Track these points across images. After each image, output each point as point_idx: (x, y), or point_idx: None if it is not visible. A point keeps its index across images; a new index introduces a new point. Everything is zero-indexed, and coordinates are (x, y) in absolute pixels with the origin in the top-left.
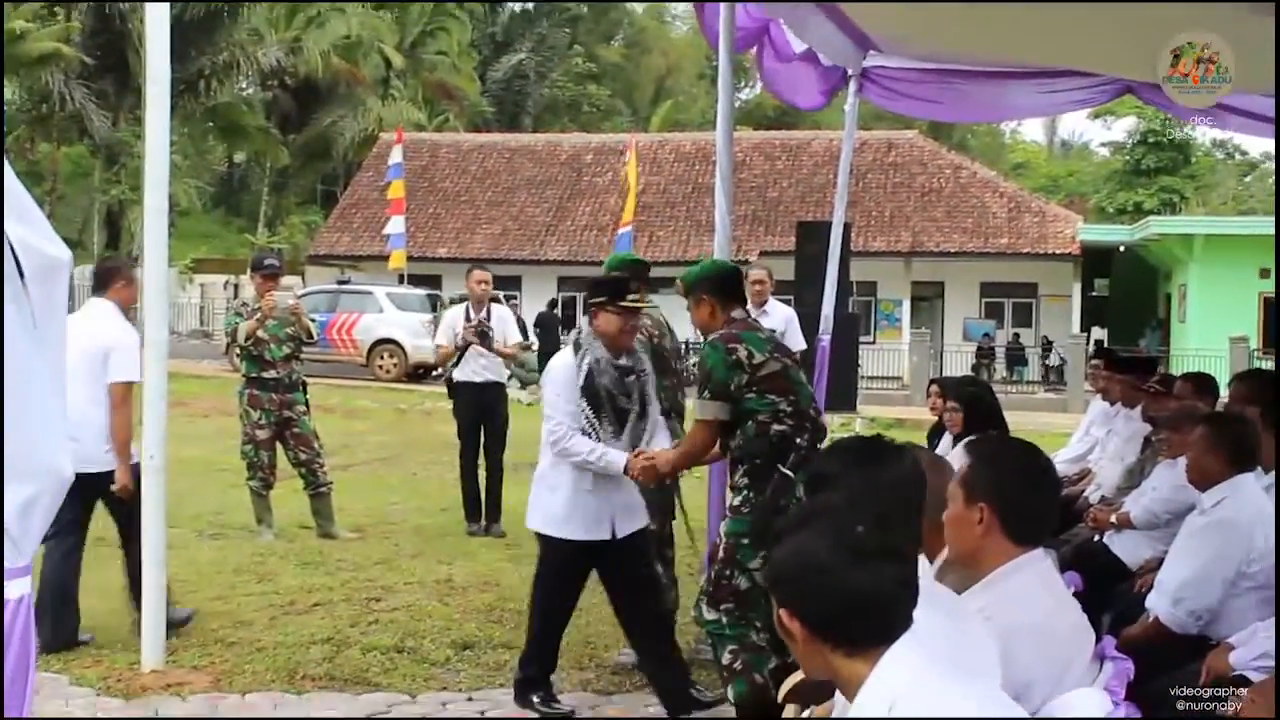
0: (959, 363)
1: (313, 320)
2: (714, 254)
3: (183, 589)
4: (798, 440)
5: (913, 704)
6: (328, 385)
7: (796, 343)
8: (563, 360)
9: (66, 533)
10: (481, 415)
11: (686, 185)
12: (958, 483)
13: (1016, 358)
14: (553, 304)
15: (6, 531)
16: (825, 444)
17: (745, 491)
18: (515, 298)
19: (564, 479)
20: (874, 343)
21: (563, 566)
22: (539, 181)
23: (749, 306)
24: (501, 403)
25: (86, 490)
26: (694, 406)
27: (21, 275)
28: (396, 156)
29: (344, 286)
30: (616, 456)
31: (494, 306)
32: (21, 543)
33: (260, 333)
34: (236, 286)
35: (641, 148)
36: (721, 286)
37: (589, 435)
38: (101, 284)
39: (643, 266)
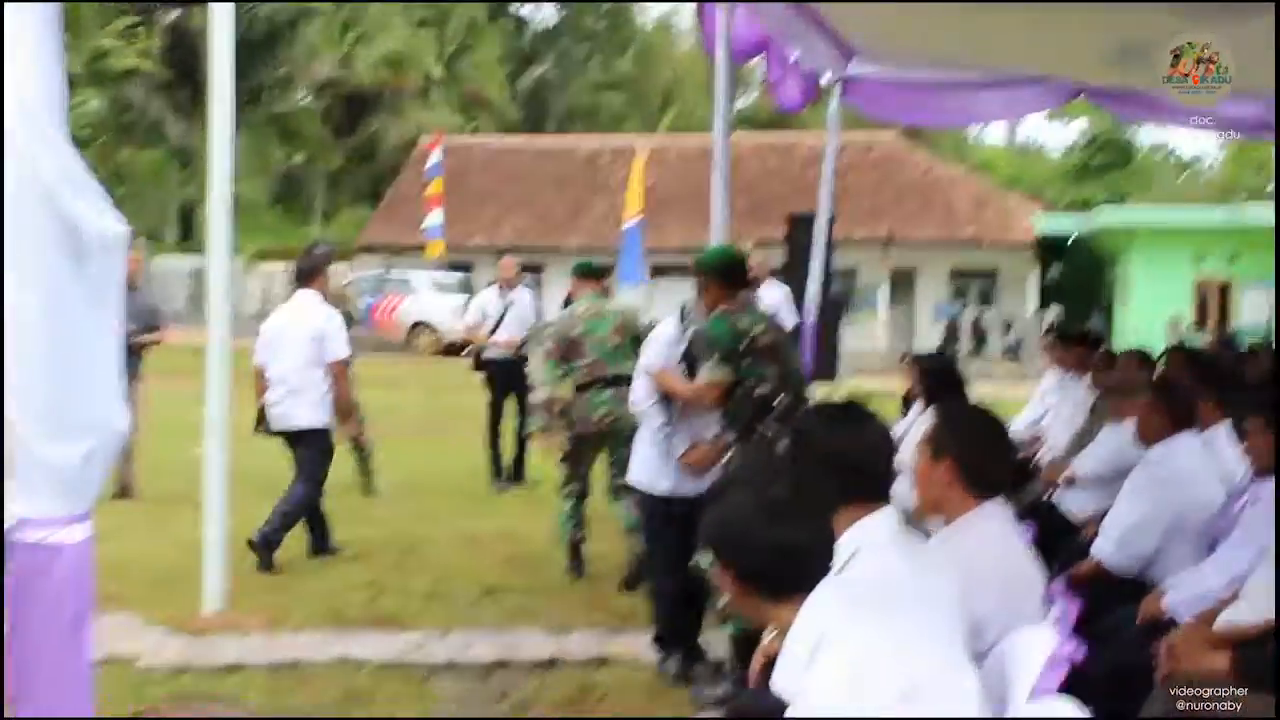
0: (929, 339)
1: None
2: (712, 243)
3: (241, 539)
4: (775, 402)
5: (835, 637)
6: (367, 361)
7: (789, 319)
8: (663, 331)
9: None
10: (509, 388)
11: (690, 182)
12: (925, 440)
13: (980, 335)
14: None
15: (68, 481)
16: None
17: (733, 448)
18: (539, 281)
19: (648, 432)
20: (854, 322)
21: (651, 520)
22: (560, 179)
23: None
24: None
25: (291, 441)
26: (704, 371)
27: (79, 249)
28: (435, 158)
29: (387, 273)
30: (677, 443)
31: (518, 292)
32: (83, 490)
33: None
34: None
35: (650, 149)
36: (726, 271)
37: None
38: (305, 278)
39: (597, 271)
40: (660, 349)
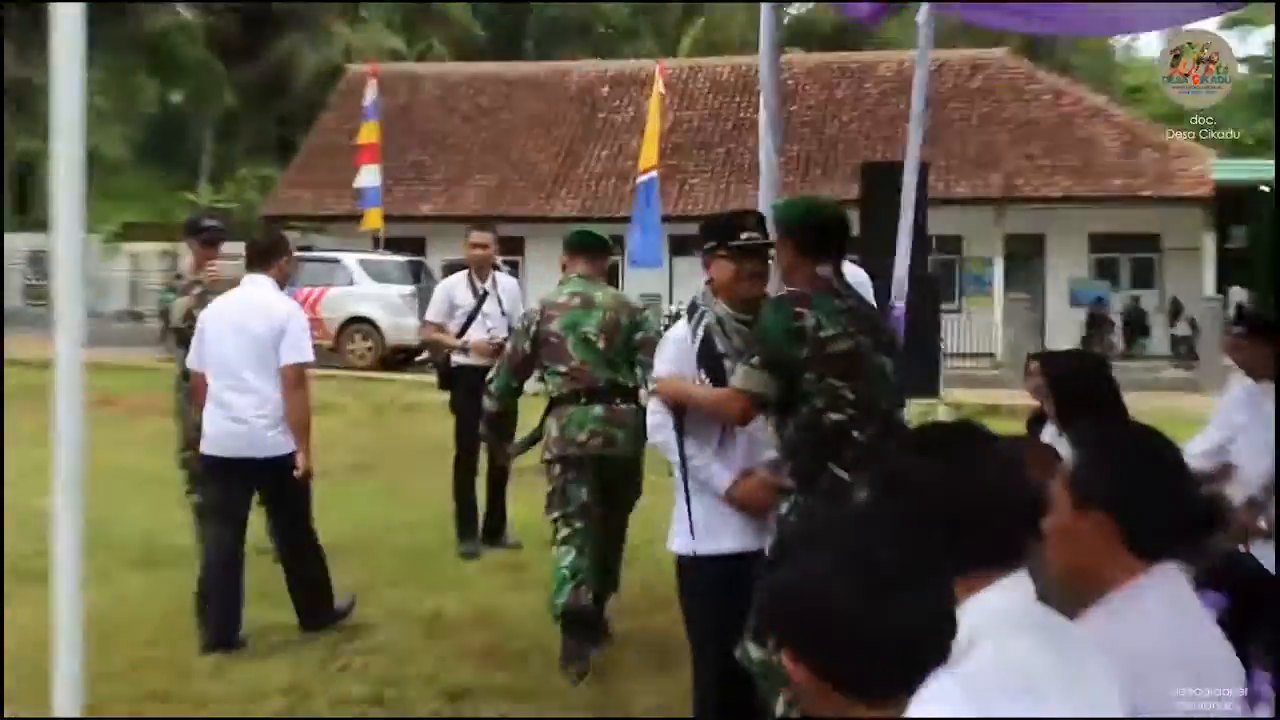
0: (1065, 334)
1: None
2: (760, 205)
3: (106, 631)
4: (854, 434)
5: None
6: None
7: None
8: (675, 331)
9: (226, 522)
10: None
11: (725, 121)
12: (1063, 483)
13: (1136, 326)
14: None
15: None
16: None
17: (793, 496)
18: (517, 263)
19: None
20: (959, 311)
21: (708, 590)
22: (544, 120)
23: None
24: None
25: (250, 477)
26: (737, 373)
27: None
28: (370, 94)
29: (306, 254)
30: (719, 473)
31: (498, 276)
32: None
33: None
34: (175, 257)
35: (668, 77)
36: (808, 231)
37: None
38: (262, 259)
39: (599, 244)
40: (672, 353)
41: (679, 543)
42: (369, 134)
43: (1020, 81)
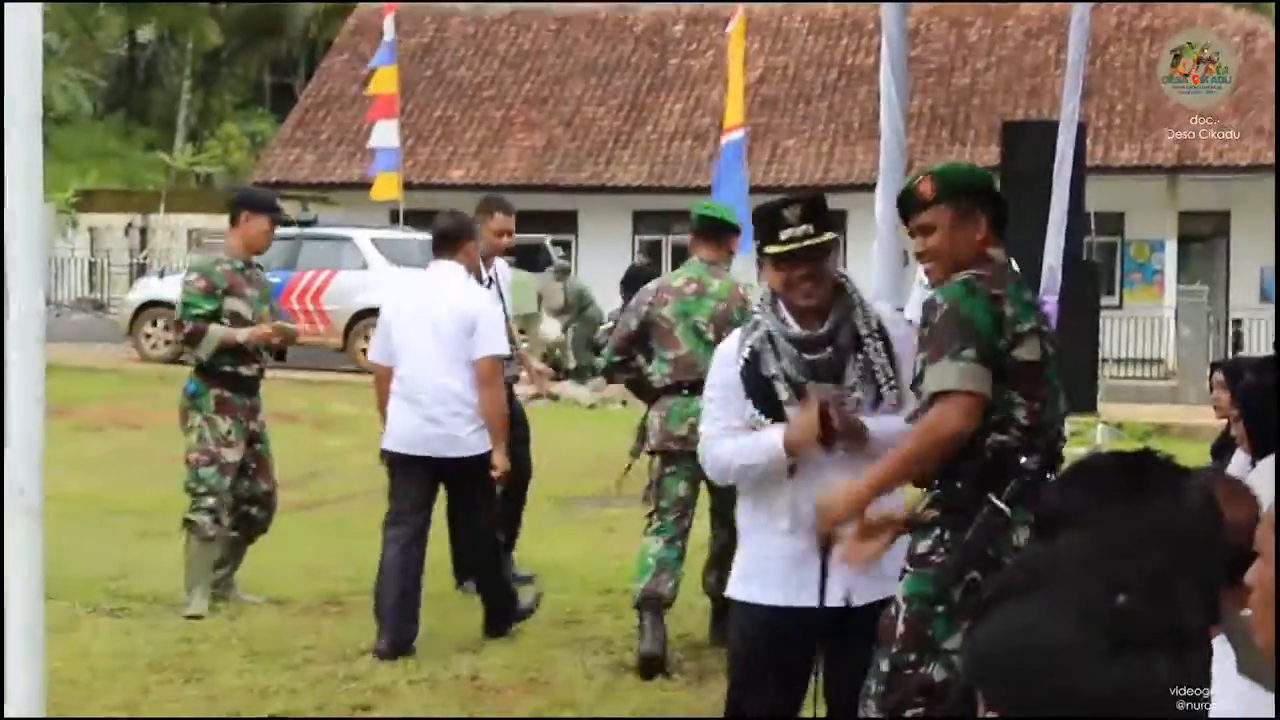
0: (1257, 336)
1: (271, 280)
2: (881, 172)
3: (69, 694)
4: (1023, 461)
5: None
6: (288, 381)
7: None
8: (726, 344)
9: (408, 521)
10: None
11: (829, 69)
12: (1272, 526)
13: None
14: (651, 250)
15: None
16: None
17: (938, 531)
18: (569, 243)
19: (749, 519)
20: (1121, 306)
21: (753, 643)
22: (603, 67)
23: None
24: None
25: (440, 476)
26: (932, 375)
27: None
28: (386, 32)
29: (308, 229)
30: (774, 435)
31: (499, 264)
32: None
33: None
34: (144, 231)
35: (758, 14)
36: (1002, 206)
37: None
38: (448, 245)
39: (722, 225)
40: (718, 378)
41: (739, 588)
42: (385, 82)
43: (1200, 18)
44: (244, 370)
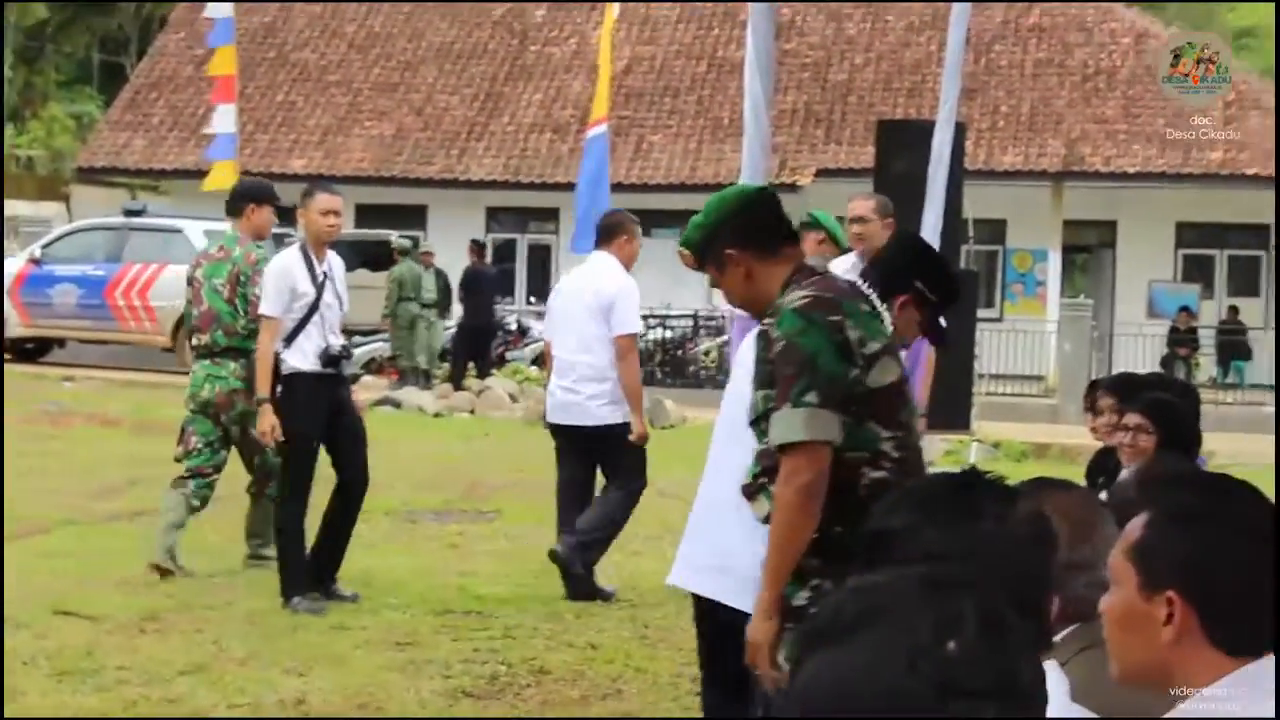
0: (1141, 353)
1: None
2: (742, 172)
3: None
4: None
5: None
6: (108, 380)
7: None
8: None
9: (568, 484)
10: (332, 426)
11: (698, 62)
12: (1126, 553)
13: (1235, 346)
14: (480, 247)
15: None
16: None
17: (816, 582)
18: (416, 238)
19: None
20: (1000, 319)
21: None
22: (457, 53)
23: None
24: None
25: (586, 444)
26: (777, 425)
27: None
28: (223, 9)
29: (135, 219)
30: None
31: (331, 255)
32: None
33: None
34: None
35: (622, 6)
36: (753, 226)
37: None
38: (606, 237)
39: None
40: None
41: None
42: (223, 63)
43: (1091, 19)
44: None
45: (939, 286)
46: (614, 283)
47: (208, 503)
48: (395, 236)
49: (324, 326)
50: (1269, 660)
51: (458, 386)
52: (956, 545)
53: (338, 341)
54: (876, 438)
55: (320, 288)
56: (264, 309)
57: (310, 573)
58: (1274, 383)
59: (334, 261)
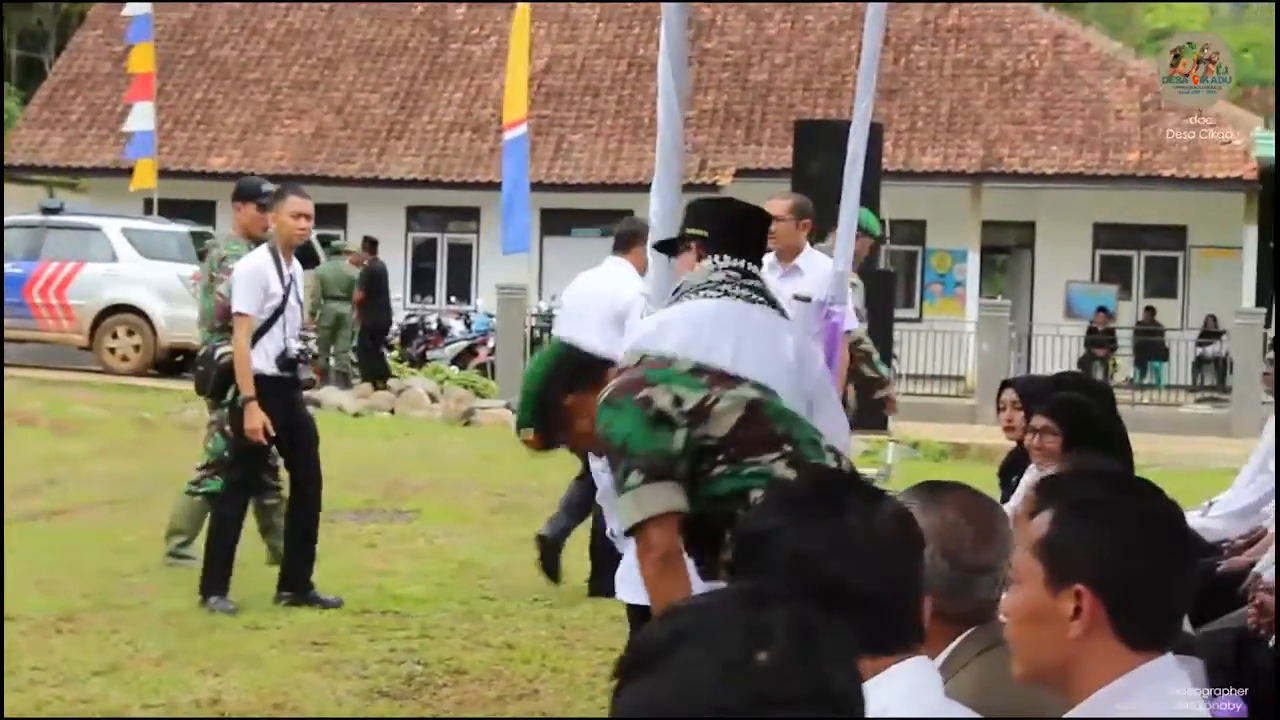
0: (1059, 353)
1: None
2: (658, 171)
3: None
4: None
5: None
6: (25, 379)
7: (849, 319)
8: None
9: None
10: (288, 428)
11: (619, 61)
12: (1033, 549)
13: (1152, 347)
14: (373, 244)
15: None
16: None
17: None
18: (337, 237)
19: None
20: (919, 320)
21: None
22: (378, 51)
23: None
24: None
25: None
26: (620, 513)
27: None
28: (141, 7)
29: (52, 217)
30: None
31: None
32: None
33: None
34: None
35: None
36: (574, 372)
37: None
38: (625, 244)
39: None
40: None
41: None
42: (141, 60)
43: (1009, 20)
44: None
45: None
46: (631, 291)
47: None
48: (313, 236)
49: (285, 329)
50: (1169, 658)
51: (377, 385)
52: (822, 544)
53: (296, 345)
54: (765, 471)
55: (287, 290)
56: (239, 306)
57: (286, 580)
58: (1274, 387)
59: (296, 266)
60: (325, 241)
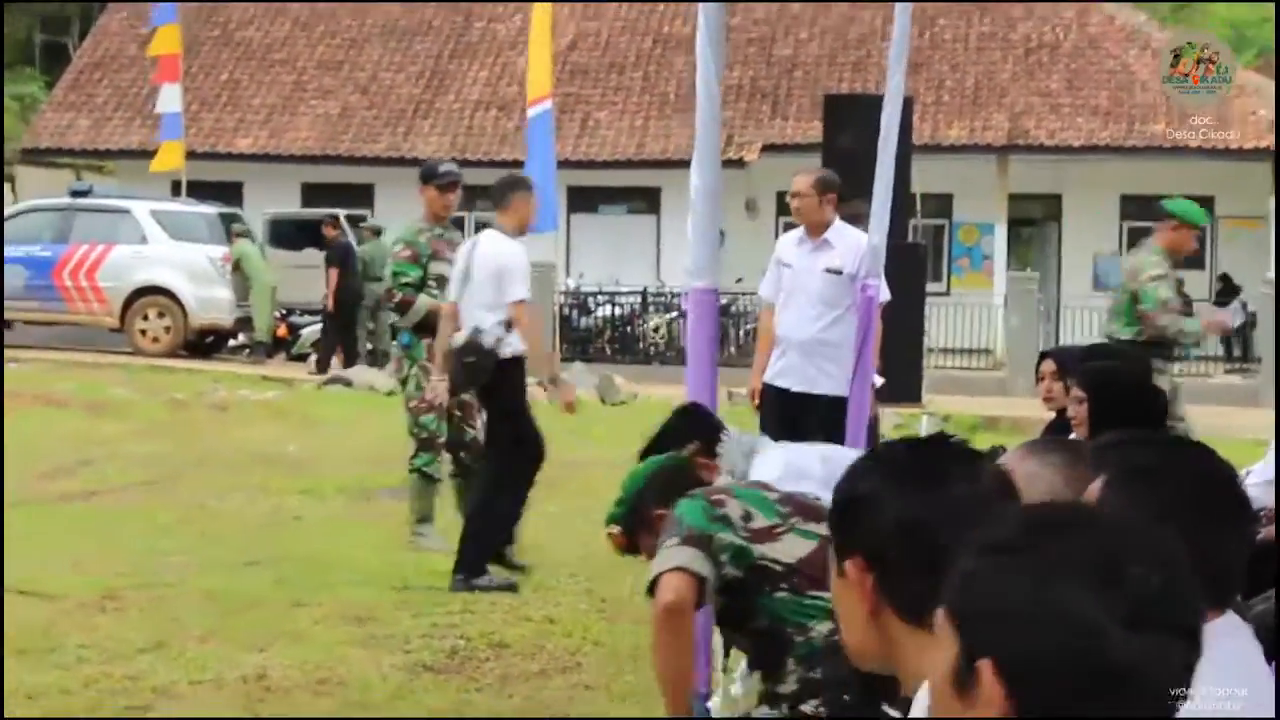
0: (1088, 326)
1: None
2: (697, 146)
3: None
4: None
5: None
6: (56, 361)
7: (882, 292)
8: None
9: None
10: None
11: (644, 37)
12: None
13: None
14: (336, 220)
15: None
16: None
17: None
18: (365, 217)
19: None
20: (948, 293)
21: None
22: (403, 30)
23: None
24: None
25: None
26: (650, 570)
27: None
28: None
29: (81, 200)
30: None
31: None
32: None
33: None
34: None
35: None
36: (670, 483)
37: None
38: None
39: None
40: None
41: None
42: (167, 42)
43: None
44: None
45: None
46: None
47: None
48: (342, 216)
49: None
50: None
51: (323, 369)
52: (929, 512)
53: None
54: (827, 606)
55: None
56: (524, 294)
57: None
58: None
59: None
60: (356, 221)
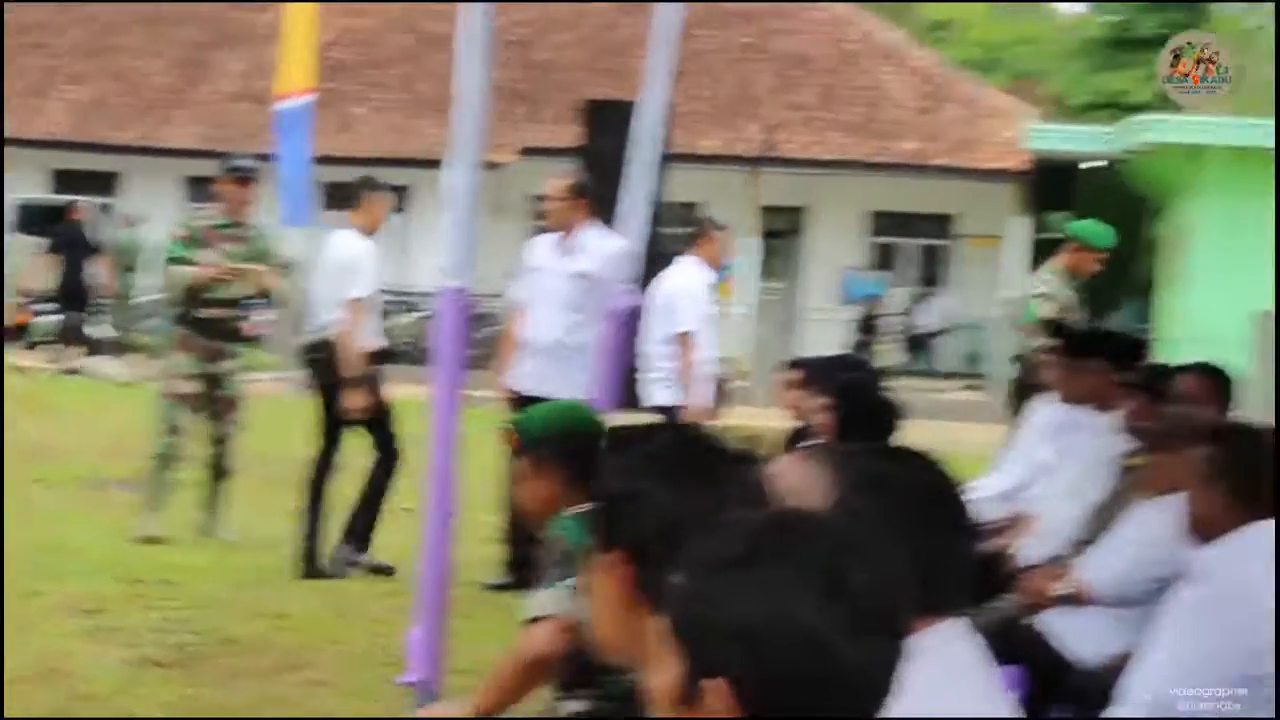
0: (830, 338)
1: None
2: (454, 148)
3: None
4: None
5: None
6: None
7: (634, 296)
8: None
9: None
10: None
11: (405, 34)
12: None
13: (920, 331)
14: (74, 206)
15: None
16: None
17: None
18: (108, 206)
19: None
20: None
21: None
22: (159, 16)
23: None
24: None
25: None
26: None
27: None
28: None
29: None
30: None
31: None
32: None
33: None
34: None
35: None
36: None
37: None
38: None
39: None
40: None
41: None
42: None
43: (791, 8)
44: (203, 313)
45: None
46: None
47: None
48: (80, 202)
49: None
50: (956, 623)
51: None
52: (696, 510)
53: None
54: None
55: None
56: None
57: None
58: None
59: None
60: (107, 209)
